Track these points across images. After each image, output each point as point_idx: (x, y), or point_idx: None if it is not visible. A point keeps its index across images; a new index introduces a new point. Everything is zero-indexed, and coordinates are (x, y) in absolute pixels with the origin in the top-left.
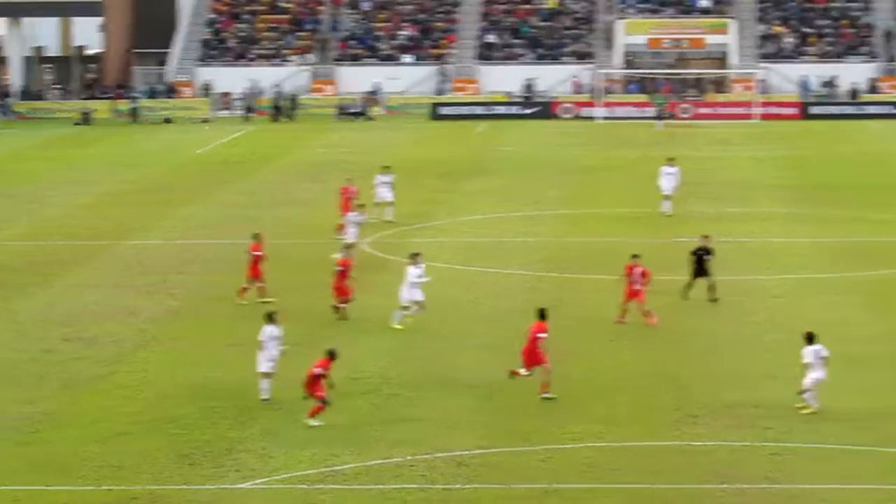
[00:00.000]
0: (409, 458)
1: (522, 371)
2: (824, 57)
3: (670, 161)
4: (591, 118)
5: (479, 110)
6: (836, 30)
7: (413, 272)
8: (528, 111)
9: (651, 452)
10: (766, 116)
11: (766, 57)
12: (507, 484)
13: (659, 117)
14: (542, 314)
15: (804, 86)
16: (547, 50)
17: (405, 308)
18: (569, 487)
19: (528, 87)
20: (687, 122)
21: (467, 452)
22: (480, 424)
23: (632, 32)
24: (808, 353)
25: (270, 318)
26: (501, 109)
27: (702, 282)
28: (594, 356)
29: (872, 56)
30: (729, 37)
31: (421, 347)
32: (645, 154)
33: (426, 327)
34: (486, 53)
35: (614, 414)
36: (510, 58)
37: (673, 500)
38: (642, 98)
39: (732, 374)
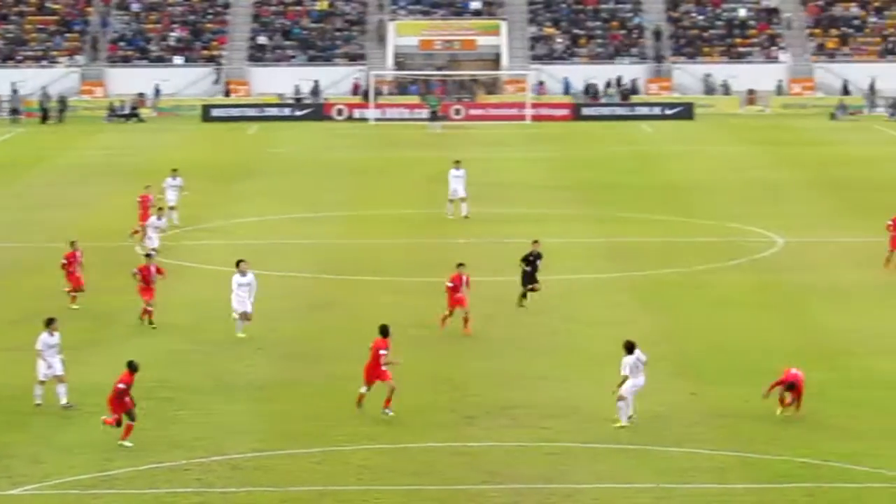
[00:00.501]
0: (184, 462)
1: (363, 389)
2: (595, 58)
3: (457, 164)
4: (364, 119)
5: (251, 112)
6: (606, 31)
7: (237, 280)
8: (300, 113)
9: (426, 453)
10: (538, 118)
11: (538, 58)
12: (283, 487)
13: (433, 119)
14: (384, 331)
15: (567, 87)
16: (318, 51)
17: (242, 317)
18: (344, 489)
19: (315, 89)
20: (460, 123)
21: (242, 455)
22: (255, 427)
23: (403, 34)
24: (628, 363)
25: (48, 324)
26: (274, 111)
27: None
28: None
29: (642, 57)
30: (500, 38)
31: (197, 350)
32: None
33: (202, 330)
34: (258, 55)
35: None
36: (282, 59)
37: (448, 501)
38: (414, 99)
39: (508, 374)
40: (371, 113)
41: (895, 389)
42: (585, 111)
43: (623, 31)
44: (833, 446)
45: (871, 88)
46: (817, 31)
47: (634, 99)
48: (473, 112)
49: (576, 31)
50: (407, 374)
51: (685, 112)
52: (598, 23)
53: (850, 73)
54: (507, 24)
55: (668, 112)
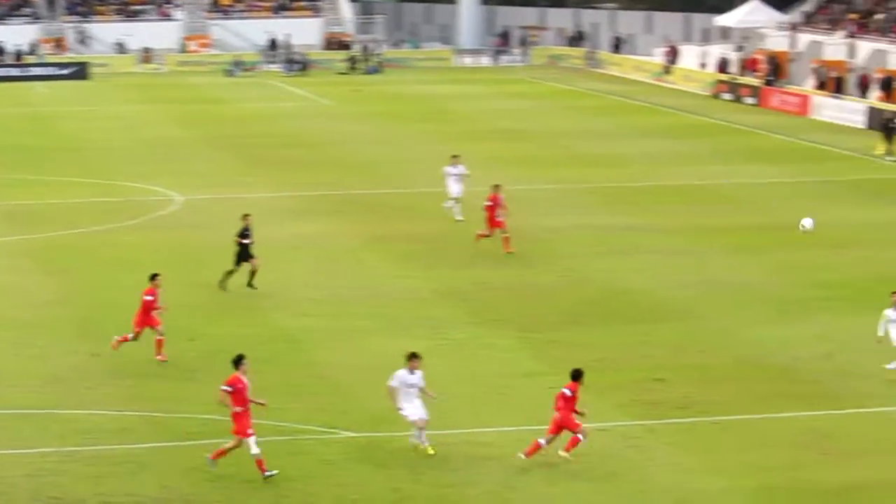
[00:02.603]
0: None
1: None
2: None
3: None
4: None
5: None
6: None
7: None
8: None
9: None
10: None
11: None
12: None
13: None
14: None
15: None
16: None
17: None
18: None
19: None
20: None
21: None
22: None
23: None
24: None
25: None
26: None
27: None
28: None
29: (35, 18)
30: None
31: None
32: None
33: None
34: None
35: None
36: None
37: None
38: None
39: None
40: None
41: (293, 343)
42: None
43: None
44: None
45: (285, 45)
46: None
47: (29, 60)
48: None
49: None
50: None
51: (80, 72)
52: None
53: (245, 29)
54: None
55: (62, 72)
